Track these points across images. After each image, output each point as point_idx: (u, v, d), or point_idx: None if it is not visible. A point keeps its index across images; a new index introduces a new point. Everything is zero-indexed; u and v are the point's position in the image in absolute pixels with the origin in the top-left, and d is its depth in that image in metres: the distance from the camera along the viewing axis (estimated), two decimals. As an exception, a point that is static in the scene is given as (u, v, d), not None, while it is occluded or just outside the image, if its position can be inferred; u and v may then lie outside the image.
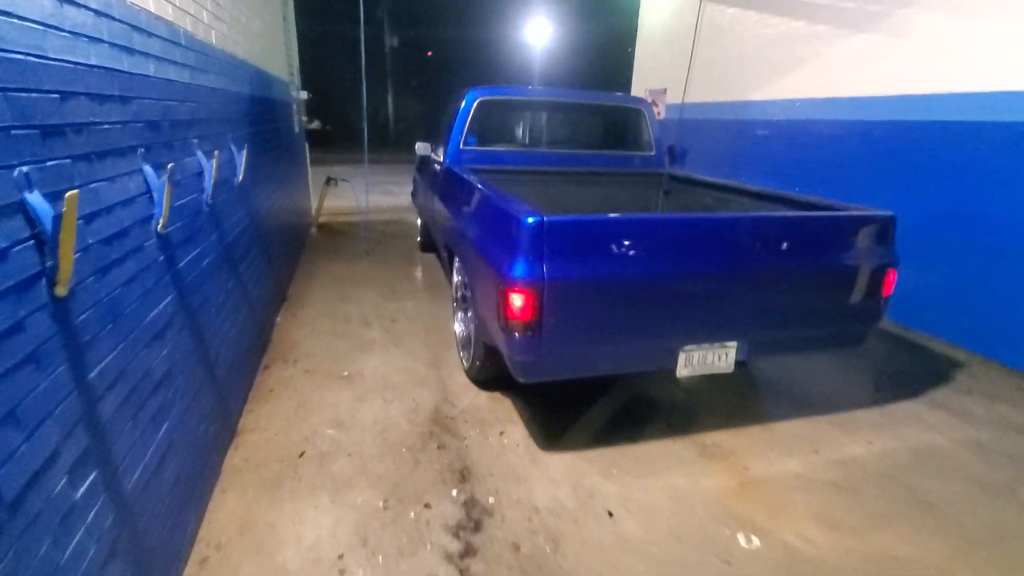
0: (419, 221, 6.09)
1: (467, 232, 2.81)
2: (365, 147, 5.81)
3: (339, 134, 26.44)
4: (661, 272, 2.25)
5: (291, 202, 5.35)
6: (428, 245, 5.83)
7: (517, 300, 2.11)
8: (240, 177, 2.97)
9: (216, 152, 2.41)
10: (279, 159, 4.77)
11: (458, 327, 3.51)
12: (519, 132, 4.31)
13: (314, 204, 7.33)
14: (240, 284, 2.89)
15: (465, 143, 4.03)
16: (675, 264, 2.26)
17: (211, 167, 2.33)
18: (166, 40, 2.00)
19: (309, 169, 7.52)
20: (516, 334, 2.17)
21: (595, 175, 4.30)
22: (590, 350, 2.29)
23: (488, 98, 4.02)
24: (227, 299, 2.62)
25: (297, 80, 6.82)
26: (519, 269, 2.10)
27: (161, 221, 1.76)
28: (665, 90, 7.04)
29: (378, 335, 3.79)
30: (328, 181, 6.49)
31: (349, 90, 25.86)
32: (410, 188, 11.19)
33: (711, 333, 2.46)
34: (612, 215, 2.20)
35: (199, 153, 2.30)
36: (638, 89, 7.78)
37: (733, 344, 2.51)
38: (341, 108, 26.26)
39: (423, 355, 3.50)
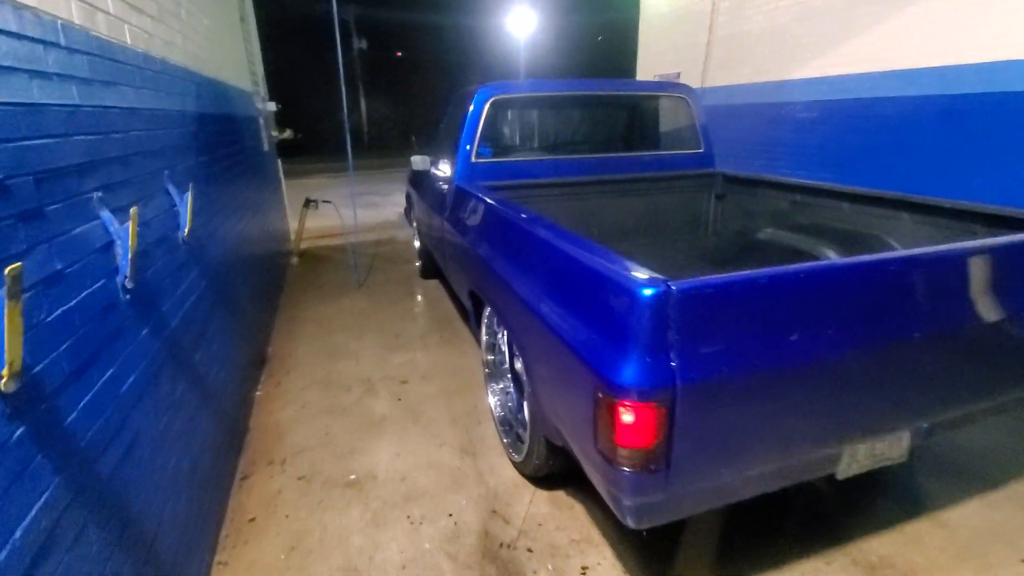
0: (417, 243, 5.24)
1: (518, 287, 1.98)
2: (350, 161, 4.94)
3: (310, 142, 25.31)
4: (845, 343, 1.46)
5: (265, 234, 4.48)
6: (430, 271, 5.00)
7: (632, 419, 1.31)
8: (186, 229, 2.12)
9: (134, 207, 1.56)
10: (246, 186, 3.90)
11: (494, 401, 2.70)
12: (541, 136, 3.49)
13: (292, 227, 6.43)
14: (195, 383, 2.05)
15: (477, 155, 3.20)
16: (866, 330, 1.48)
17: (126, 233, 1.49)
18: (14, 36, 1.15)
19: (284, 187, 6.61)
20: (627, 468, 1.37)
21: (636, 183, 3.50)
22: (736, 474, 1.49)
23: (502, 97, 3.20)
24: (174, 418, 1.78)
25: (263, 90, 5.90)
26: (634, 371, 1.30)
27: (3, 373, 0.92)
28: (678, 74, 6.26)
29: (387, 408, 2.96)
30: (307, 204, 5.60)
31: (318, 95, 24.78)
32: (396, 198, 10.37)
33: (889, 419, 1.68)
34: (774, 269, 1.40)
35: (104, 215, 1.45)
36: (644, 76, 6.99)
37: (912, 427, 1.74)
38: (310, 115, 25.15)
39: (450, 436, 2.68)
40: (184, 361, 1.95)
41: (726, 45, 5.57)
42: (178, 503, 1.70)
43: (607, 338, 1.39)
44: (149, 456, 1.53)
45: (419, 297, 4.70)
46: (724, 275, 1.32)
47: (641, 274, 1.34)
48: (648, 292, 1.28)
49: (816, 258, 2.63)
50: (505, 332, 2.52)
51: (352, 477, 2.40)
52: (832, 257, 2.56)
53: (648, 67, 6.94)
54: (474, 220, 2.76)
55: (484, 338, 2.76)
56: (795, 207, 3.11)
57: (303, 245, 6.29)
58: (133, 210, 1.51)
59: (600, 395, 1.37)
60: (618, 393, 1.32)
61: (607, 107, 3.59)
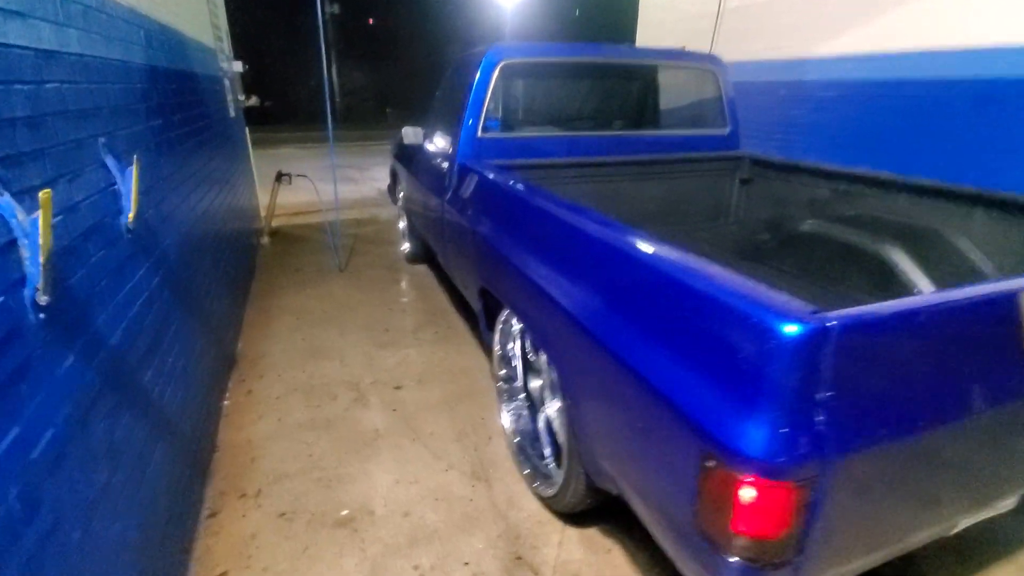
0: (402, 224, 4.77)
1: (563, 297, 1.56)
2: (330, 131, 4.40)
3: (279, 110, 24.11)
4: (1012, 387, 1.12)
5: (232, 211, 3.94)
6: (420, 255, 4.55)
7: (756, 500, 0.95)
8: (131, 214, 1.64)
9: (45, 190, 1.10)
10: (210, 157, 3.36)
11: (509, 421, 2.32)
12: (554, 110, 3.05)
13: (262, 203, 5.85)
14: (145, 412, 1.61)
15: (484, 129, 2.75)
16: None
17: (34, 227, 1.03)
18: None
19: (252, 157, 5.99)
20: (741, 559, 1.01)
21: (658, 165, 3.12)
22: (867, 554, 1.15)
23: (514, 61, 2.74)
24: (115, 470, 1.35)
25: (228, 48, 5.25)
26: (764, 437, 0.93)
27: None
28: (683, 48, 5.83)
29: (381, 420, 2.55)
30: (279, 177, 5.04)
31: (287, 60, 23.51)
32: (374, 173, 9.75)
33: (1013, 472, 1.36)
34: (956, 292, 1.03)
35: (3, 199, 1.00)
36: (643, 48, 6.54)
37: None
38: (279, 81, 23.90)
39: (457, 457, 2.30)
40: (129, 388, 1.50)
41: (737, 17, 5.16)
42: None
43: (720, 385, 1.01)
44: (79, 540, 1.10)
45: (408, 284, 4.26)
46: (898, 303, 0.96)
47: (777, 300, 0.96)
48: (792, 330, 0.90)
49: (880, 259, 2.30)
50: (525, 341, 2.13)
51: (344, 513, 2.00)
52: (900, 259, 2.24)
53: (648, 40, 6.50)
54: (486, 205, 2.33)
55: (497, 348, 2.36)
56: (838, 197, 2.77)
57: (275, 223, 5.72)
58: (43, 194, 1.05)
59: (709, 464, 1.01)
60: (738, 465, 0.95)
61: (627, 78, 3.17)
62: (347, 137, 15.92)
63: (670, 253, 1.25)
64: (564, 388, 1.62)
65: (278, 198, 5.41)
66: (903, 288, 2.20)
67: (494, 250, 2.10)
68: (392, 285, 4.23)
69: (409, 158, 3.90)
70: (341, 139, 15.86)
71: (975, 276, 2.10)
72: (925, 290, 2.15)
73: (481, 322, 2.47)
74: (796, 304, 0.95)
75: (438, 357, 3.13)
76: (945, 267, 2.20)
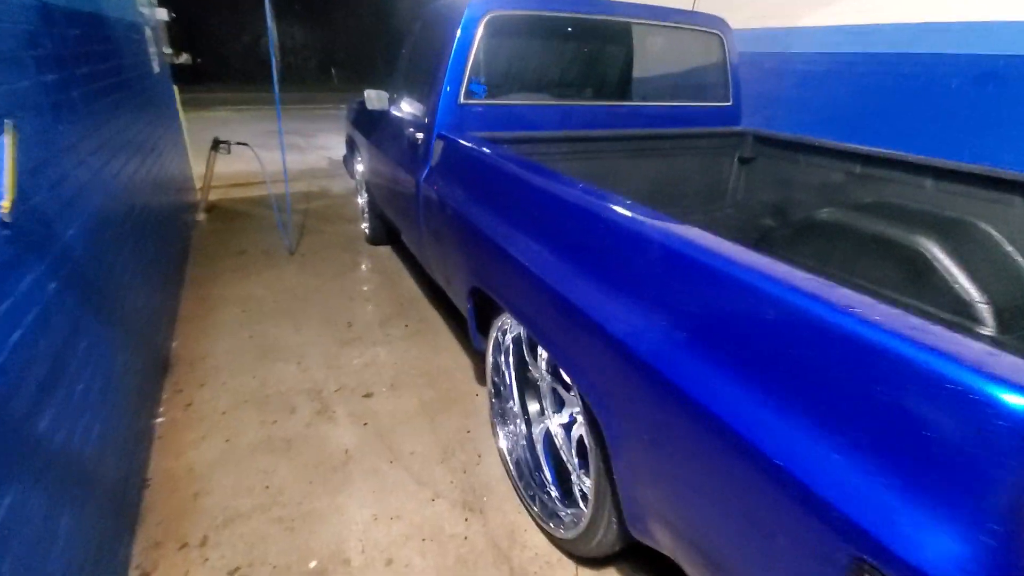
0: (362, 200, 4.29)
1: (607, 315, 1.18)
2: (277, 96, 3.83)
3: (212, 68, 22.30)
4: None
5: (159, 184, 3.37)
6: (382, 235, 4.11)
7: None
8: (7, 200, 1.18)
9: None
10: (128, 121, 2.79)
11: (507, 447, 2.01)
12: (547, 74, 2.66)
13: (197, 173, 5.19)
14: (45, 468, 1.19)
15: (467, 94, 2.35)
16: None
17: None
18: None
19: (183, 120, 5.28)
20: None
21: (656, 140, 2.81)
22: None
23: (504, 14, 2.33)
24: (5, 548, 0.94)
25: (148, -10, 4.50)
26: (959, 552, 0.65)
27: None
28: (692, 9, 5.50)
29: (351, 437, 2.18)
30: (216, 145, 4.42)
31: (220, 14, 21.66)
32: (322, 140, 9.01)
33: None
34: None
35: None
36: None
37: None
38: (211, 37, 22.04)
39: (444, 482, 1.97)
40: (15, 452, 1.08)
41: (719, -19, 4.86)
42: None
43: (891, 469, 0.72)
44: None
45: (371, 269, 3.82)
46: None
47: (1003, 363, 0.67)
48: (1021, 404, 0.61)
49: (914, 252, 2.10)
50: (539, 358, 1.80)
51: (312, 565, 1.65)
52: (936, 252, 2.04)
53: (622, 2, 6.12)
54: (482, 187, 1.96)
55: (491, 358, 2.03)
56: (854, 180, 2.56)
57: (212, 196, 5.09)
58: None
59: (867, 572, 0.72)
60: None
61: (626, 41, 2.81)
62: (289, 100, 14.78)
63: (812, 283, 0.88)
64: (607, 434, 1.29)
65: (215, 168, 4.78)
66: (940, 285, 2.00)
67: (493, 243, 1.75)
68: (352, 270, 3.78)
69: (371, 126, 3.43)
70: (283, 102, 14.71)
71: (1018, 272, 1.92)
72: (967, 287, 1.96)
73: (471, 326, 2.11)
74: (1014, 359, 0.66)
75: (412, 356, 2.76)
76: (981, 262, 2.02)
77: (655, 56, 2.86)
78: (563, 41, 2.64)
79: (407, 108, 2.77)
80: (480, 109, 2.41)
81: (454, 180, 2.15)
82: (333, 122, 11.60)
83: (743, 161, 3.09)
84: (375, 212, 3.92)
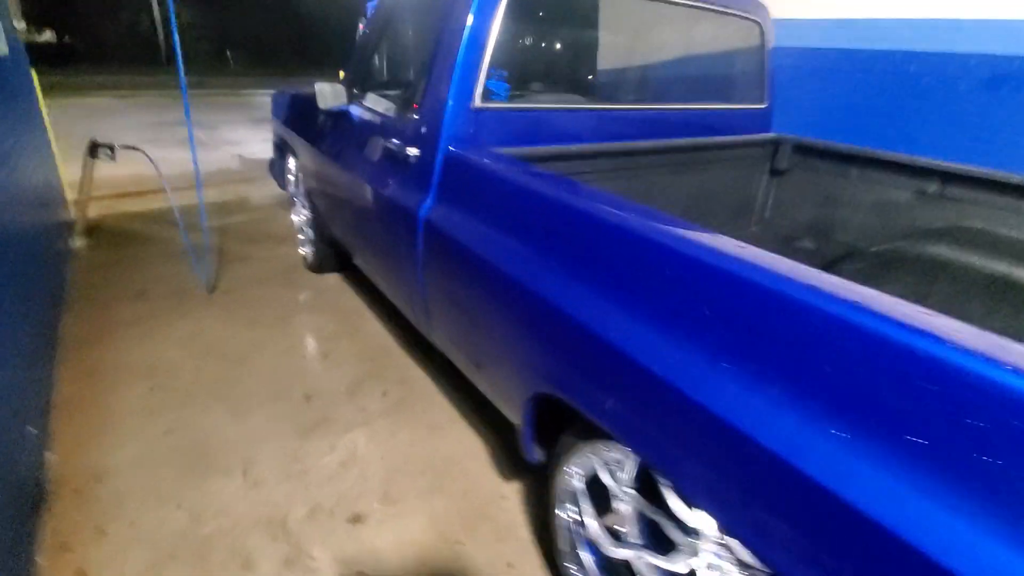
0: (301, 217, 3.42)
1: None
2: (183, 83, 2.83)
3: (85, 48, 19.32)
4: None
5: (8, 199, 2.35)
6: (329, 261, 3.27)
7: None
8: None
9: None
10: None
11: None
12: (576, 67, 2.00)
13: (72, 182, 4.01)
14: None
15: (485, 95, 1.65)
16: None
17: None
18: None
19: (46, 115, 4.04)
20: None
21: (696, 151, 2.26)
22: None
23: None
24: None
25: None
26: None
27: None
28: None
29: (347, 606, 1.46)
30: (94, 150, 3.32)
31: (91, -16, 18.75)
32: (226, 134, 7.71)
33: None
34: None
35: None
36: None
37: None
38: (83, 10, 19.02)
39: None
40: None
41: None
42: None
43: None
44: None
45: (321, 309, 2.99)
46: None
47: None
48: None
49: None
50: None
51: None
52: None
53: None
54: (553, 237, 1.28)
55: (569, 495, 1.38)
56: (925, 201, 2.16)
57: (94, 212, 3.95)
58: None
59: None
60: None
61: (674, 27, 2.21)
62: (178, 84, 12.90)
63: None
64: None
65: (96, 175, 3.65)
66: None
67: (587, 331, 1.10)
68: (297, 312, 2.94)
69: (320, 129, 2.60)
70: (170, 86, 12.80)
71: None
72: None
73: (525, 435, 1.45)
74: None
75: (402, 442, 2.04)
76: None
77: (688, 47, 2.30)
78: (592, 26, 2.00)
79: (383, 110, 2.01)
80: (500, 114, 1.72)
81: (490, 221, 1.46)
82: (237, 112, 10.16)
83: (775, 173, 2.63)
84: (320, 233, 3.08)
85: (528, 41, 1.76)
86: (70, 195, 4.09)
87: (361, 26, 8.46)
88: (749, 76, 2.45)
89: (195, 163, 2.96)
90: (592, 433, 1.23)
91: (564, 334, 1.16)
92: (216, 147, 6.84)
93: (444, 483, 1.87)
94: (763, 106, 2.54)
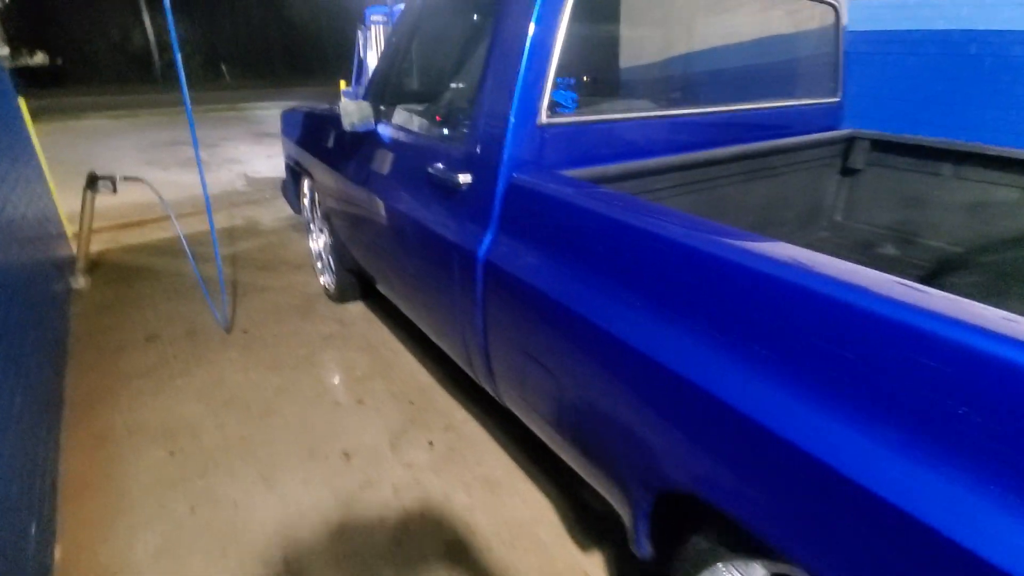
0: (318, 243, 3.15)
1: None
2: (188, 103, 2.55)
3: (77, 69, 19.05)
4: None
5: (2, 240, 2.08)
6: (351, 289, 3.00)
7: None
8: None
9: None
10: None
11: None
12: (649, 71, 1.72)
13: (70, 211, 3.75)
14: None
15: (551, 109, 1.37)
16: None
17: None
18: None
19: (38, 145, 3.77)
20: None
21: (770, 156, 1.98)
22: None
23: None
24: None
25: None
26: None
27: None
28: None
29: None
30: (93, 183, 3.05)
31: (84, 7, 18.47)
32: (228, 152, 7.43)
33: None
34: None
35: None
36: None
37: None
38: (74, 33, 18.78)
39: None
40: None
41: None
42: None
43: None
44: None
45: (347, 345, 2.71)
46: None
47: None
48: None
49: None
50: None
51: None
52: None
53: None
54: (685, 291, 0.99)
55: None
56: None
57: (96, 245, 3.69)
58: None
59: None
60: None
61: (725, 14, 1.94)
62: (173, 101, 12.63)
63: None
64: None
65: (95, 207, 3.38)
66: None
67: (755, 425, 0.82)
68: (323, 349, 2.67)
69: (341, 150, 2.32)
70: (168, 103, 12.52)
71: None
72: None
73: (639, 529, 1.17)
74: None
75: (460, 507, 1.77)
76: None
77: (758, 37, 2.02)
78: (656, 18, 1.72)
79: (420, 129, 1.74)
80: (568, 130, 1.45)
81: (583, 268, 1.17)
82: (237, 127, 9.90)
83: (848, 172, 2.35)
84: (344, 263, 2.81)
85: (592, 41, 1.48)
86: (70, 228, 3.83)
87: (360, 34, 8.17)
88: (822, 66, 2.17)
89: (205, 192, 2.69)
90: (743, 542, 0.96)
91: (711, 421, 0.89)
92: (219, 167, 6.57)
93: (515, 558, 1.60)
94: (836, 100, 2.25)
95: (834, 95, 2.24)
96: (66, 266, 3.27)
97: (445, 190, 1.57)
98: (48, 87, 17.11)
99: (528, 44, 1.31)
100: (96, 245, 3.78)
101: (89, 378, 2.39)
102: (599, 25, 1.45)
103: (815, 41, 2.13)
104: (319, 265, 3.18)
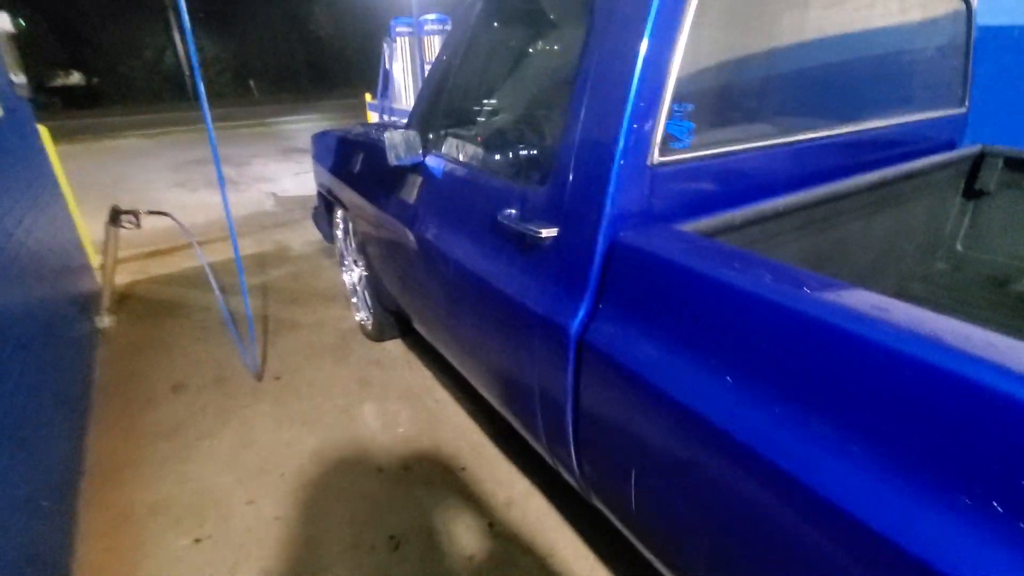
0: (352, 275, 2.87)
1: None
2: (209, 124, 2.30)
3: (110, 88, 19.37)
4: None
5: (19, 278, 1.84)
6: (387, 327, 2.70)
7: None
8: None
9: None
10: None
11: None
12: (771, 83, 1.38)
13: (92, 248, 3.55)
14: None
15: (664, 144, 1.05)
16: None
17: None
18: None
19: (61, 173, 3.58)
20: None
21: (895, 184, 1.61)
22: None
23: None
24: None
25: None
26: None
27: None
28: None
29: None
30: (116, 218, 2.83)
31: (119, 26, 18.80)
32: (257, 170, 7.28)
33: None
34: None
35: None
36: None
37: None
38: (107, 51, 19.10)
39: None
40: None
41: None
42: None
43: None
44: None
45: (387, 394, 2.41)
46: None
47: None
48: None
49: None
50: None
51: None
52: None
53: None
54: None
55: None
56: None
57: (122, 278, 3.48)
58: None
59: None
60: None
61: (842, 11, 1.59)
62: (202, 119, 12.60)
63: None
64: None
65: (120, 238, 3.15)
66: None
67: None
68: (361, 401, 2.37)
69: (379, 182, 2.02)
70: (197, 121, 12.52)
71: None
72: None
73: None
74: None
75: (536, 617, 1.45)
76: None
77: (879, 37, 1.64)
78: (770, 22, 1.37)
79: (481, 165, 1.42)
80: (683, 170, 1.11)
81: (733, 369, 0.84)
82: (265, 143, 9.78)
83: (973, 194, 1.96)
84: (381, 300, 2.52)
85: (712, 53, 1.14)
86: (96, 259, 3.63)
87: (386, 46, 7.93)
88: (947, 70, 1.79)
89: (230, 224, 2.42)
90: None
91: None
92: (248, 186, 6.39)
93: None
94: (963, 110, 1.87)
95: (961, 105, 1.86)
96: (91, 303, 3.06)
97: (520, 243, 1.25)
98: (84, 107, 17.42)
99: (640, 64, 0.98)
100: (124, 276, 3.58)
101: (112, 439, 2.14)
102: (719, 32, 1.12)
103: (939, 39, 1.75)
104: (353, 301, 2.90)
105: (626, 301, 1.00)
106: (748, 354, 0.82)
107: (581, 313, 1.09)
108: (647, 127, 1.02)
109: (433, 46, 7.61)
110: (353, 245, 2.68)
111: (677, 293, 0.93)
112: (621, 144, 1.01)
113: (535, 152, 1.36)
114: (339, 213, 2.75)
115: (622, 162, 1.02)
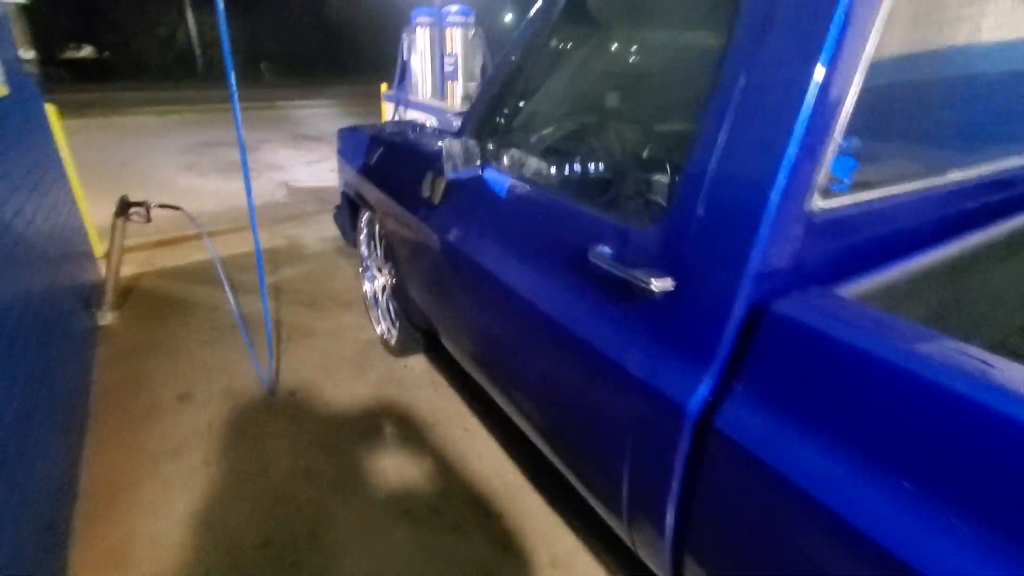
0: (374, 285, 2.64)
1: None
2: (237, 113, 2.07)
3: (123, 63, 19.01)
4: None
5: (17, 269, 1.61)
6: (412, 341, 2.48)
7: None
8: None
9: None
10: None
11: None
12: (934, 114, 1.16)
13: (95, 234, 3.32)
14: None
15: (827, 190, 0.83)
16: None
17: None
18: None
19: (66, 154, 3.33)
20: None
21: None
22: None
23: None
24: None
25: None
26: None
27: None
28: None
29: None
30: (124, 210, 2.59)
31: (128, 1, 18.42)
32: (268, 156, 7.02)
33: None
34: None
35: None
36: None
37: None
38: (120, 25, 18.74)
39: None
40: None
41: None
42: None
43: None
44: None
45: (412, 420, 2.20)
46: None
47: None
48: None
49: None
50: None
51: None
52: None
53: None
54: None
55: None
56: None
57: (126, 270, 3.24)
58: None
59: None
60: None
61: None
62: (214, 98, 12.34)
63: None
64: None
65: (127, 228, 2.91)
66: None
67: None
68: (383, 425, 2.15)
69: (421, 190, 1.79)
70: (209, 100, 12.21)
71: None
72: None
73: None
74: None
75: None
76: None
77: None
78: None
79: (564, 187, 1.20)
80: (843, 218, 0.89)
81: (919, 489, 0.63)
82: (276, 128, 9.51)
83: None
84: (413, 320, 2.29)
85: (884, 75, 0.92)
86: (99, 248, 3.39)
87: (404, 37, 7.63)
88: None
89: (255, 232, 2.19)
90: None
91: None
92: (259, 173, 6.13)
93: None
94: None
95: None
96: (92, 296, 2.82)
97: (618, 291, 1.02)
98: (95, 80, 17.06)
99: (813, 87, 0.75)
100: (129, 267, 3.34)
101: (110, 455, 1.92)
102: (897, 47, 0.89)
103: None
104: (377, 312, 2.67)
105: (782, 388, 0.78)
106: (960, 474, 0.60)
107: (703, 389, 0.87)
108: (811, 165, 0.79)
109: (453, 39, 7.32)
110: (379, 252, 2.45)
111: (863, 390, 0.71)
112: (777, 184, 0.79)
113: (643, 182, 1.14)
114: (364, 217, 2.52)
115: (776, 207, 0.79)
